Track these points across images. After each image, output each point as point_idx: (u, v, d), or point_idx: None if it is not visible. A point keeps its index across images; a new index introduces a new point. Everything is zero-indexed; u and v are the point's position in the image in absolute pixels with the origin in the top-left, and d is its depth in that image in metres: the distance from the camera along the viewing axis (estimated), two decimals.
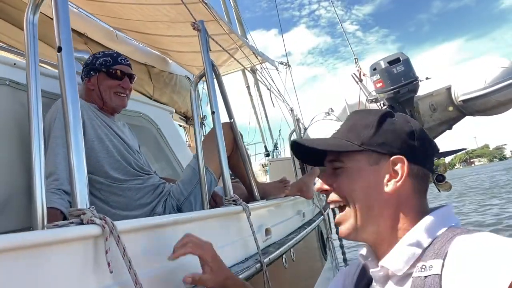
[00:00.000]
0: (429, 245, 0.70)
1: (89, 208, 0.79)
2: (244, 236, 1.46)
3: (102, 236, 0.76)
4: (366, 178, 0.77)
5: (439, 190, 3.02)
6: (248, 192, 1.95)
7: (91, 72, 1.65)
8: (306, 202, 2.83)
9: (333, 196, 0.80)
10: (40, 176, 0.83)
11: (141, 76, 3.96)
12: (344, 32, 5.08)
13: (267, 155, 8.06)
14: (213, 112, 1.55)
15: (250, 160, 1.93)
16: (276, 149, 7.95)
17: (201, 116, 4.25)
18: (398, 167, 0.75)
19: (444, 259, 0.64)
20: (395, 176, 0.75)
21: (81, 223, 0.75)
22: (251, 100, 8.39)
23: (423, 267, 0.66)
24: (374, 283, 0.80)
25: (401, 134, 0.77)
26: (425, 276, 0.64)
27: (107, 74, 1.64)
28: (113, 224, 0.78)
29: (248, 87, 8.33)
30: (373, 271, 0.77)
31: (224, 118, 1.66)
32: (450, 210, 0.77)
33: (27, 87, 0.85)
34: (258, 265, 1.35)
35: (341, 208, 0.80)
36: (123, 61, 1.68)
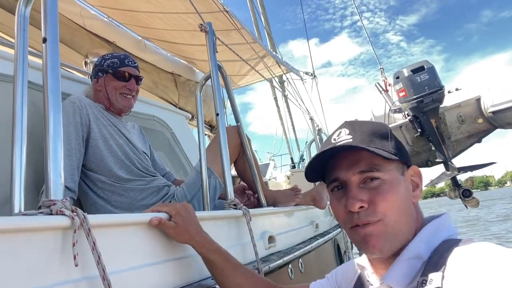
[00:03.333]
0: (428, 258, 0.67)
1: (62, 200, 0.78)
2: (243, 242, 1.41)
3: (71, 228, 0.74)
4: (402, 189, 0.74)
5: (466, 206, 2.83)
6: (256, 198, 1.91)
7: (99, 73, 1.68)
8: (322, 212, 2.74)
9: (369, 216, 0.71)
10: (20, 165, 0.83)
11: (167, 84, 4.04)
12: (367, 36, 4.97)
13: (293, 167, 7.97)
14: (217, 114, 1.54)
15: (258, 166, 1.89)
16: (303, 161, 7.85)
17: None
18: (415, 177, 0.77)
19: (443, 271, 0.61)
20: (415, 186, 0.77)
21: (51, 213, 0.74)
22: (278, 111, 8.41)
23: (424, 281, 0.64)
24: None
25: (402, 145, 0.79)
26: None
27: (113, 76, 1.66)
28: (85, 217, 0.76)
29: (275, 98, 8.35)
30: None
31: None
32: (447, 219, 0.74)
33: (13, 80, 0.86)
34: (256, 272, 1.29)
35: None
36: (130, 63, 1.70)
